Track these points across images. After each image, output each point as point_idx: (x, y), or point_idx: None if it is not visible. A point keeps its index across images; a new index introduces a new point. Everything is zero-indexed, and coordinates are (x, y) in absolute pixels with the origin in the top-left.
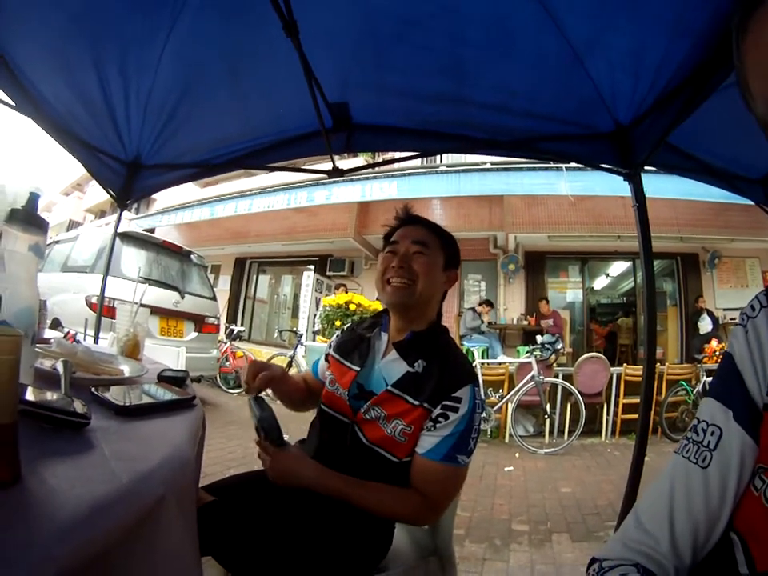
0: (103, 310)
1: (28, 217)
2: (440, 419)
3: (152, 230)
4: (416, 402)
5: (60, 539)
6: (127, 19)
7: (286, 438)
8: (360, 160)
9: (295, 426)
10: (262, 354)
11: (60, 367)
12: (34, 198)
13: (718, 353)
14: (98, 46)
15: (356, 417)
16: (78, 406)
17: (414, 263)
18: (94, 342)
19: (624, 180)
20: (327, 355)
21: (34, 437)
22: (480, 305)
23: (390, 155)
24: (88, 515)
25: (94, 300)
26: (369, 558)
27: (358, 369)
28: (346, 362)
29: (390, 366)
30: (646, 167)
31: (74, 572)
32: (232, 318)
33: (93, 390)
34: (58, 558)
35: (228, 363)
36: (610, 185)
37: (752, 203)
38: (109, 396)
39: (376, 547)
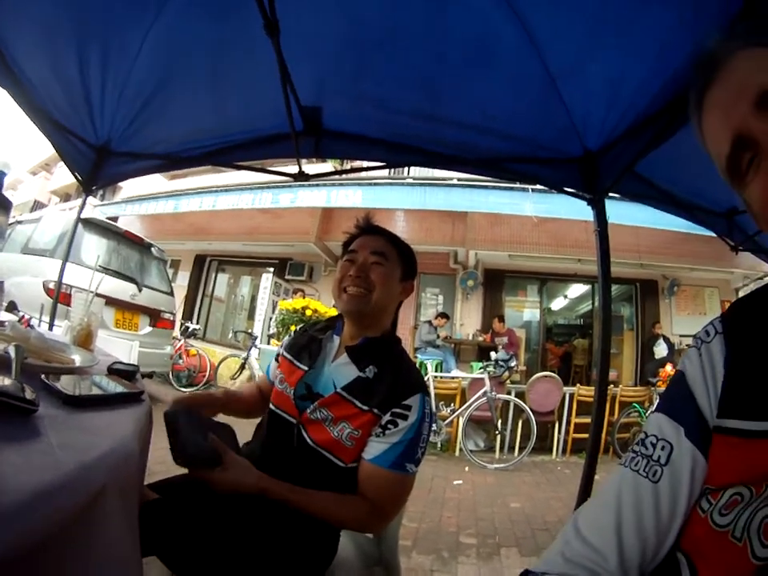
0: (60, 296)
1: None
2: (389, 426)
3: (115, 219)
4: (365, 408)
5: (1, 525)
6: (113, 3)
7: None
8: (328, 165)
9: (241, 426)
10: (216, 353)
11: (12, 351)
12: None
13: None
14: (83, 25)
15: (302, 417)
16: (28, 393)
17: (371, 273)
18: (49, 329)
19: (588, 205)
20: (278, 355)
21: None
22: (436, 317)
23: (357, 163)
24: (30, 502)
25: (51, 285)
26: (313, 565)
27: (306, 368)
28: (295, 362)
29: (340, 370)
30: (610, 194)
31: (13, 559)
32: (188, 315)
33: (43, 377)
34: None
35: (181, 361)
36: (573, 208)
37: (714, 235)
38: (58, 385)
39: (320, 554)
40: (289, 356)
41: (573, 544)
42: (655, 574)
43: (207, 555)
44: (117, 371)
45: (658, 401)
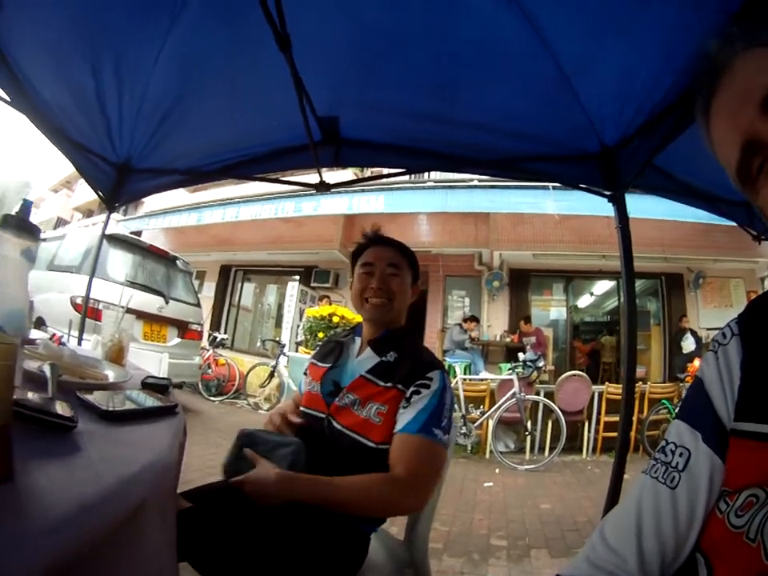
0: (88, 311)
1: (21, 223)
2: (413, 396)
3: (139, 233)
4: (388, 384)
5: (50, 536)
6: (126, 18)
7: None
8: (348, 173)
9: None
10: (245, 362)
11: (47, 370)
12: (27, 205)
13: None
14: (96, 44)
15: (330, 408)
16: (66, 410)
17: (390, 283)
18: (78, 344)
19: (608, 202)
20: (307, 368)
21: (21, 437)
22: (466, 321)
23: (377, 170)
24: (76, 514)
25: (78, 301)
26: (343, 568)
27: (330, 365)
28: (320, 363)
29: (363, 362)
30: (630, 189)
31: (61, 568)
32: (215, 326)
33: (78, 393)
34: (48, 554)
35: (210, 370)
36: (595, 204)
37: (735, 224)
38: (94, 400)
39: (350, 558)
40: (315, 361)
41: (597, 548)
42: (676, 575)
43: (239, 561)
44: (150, 385)
45: (679, 406)
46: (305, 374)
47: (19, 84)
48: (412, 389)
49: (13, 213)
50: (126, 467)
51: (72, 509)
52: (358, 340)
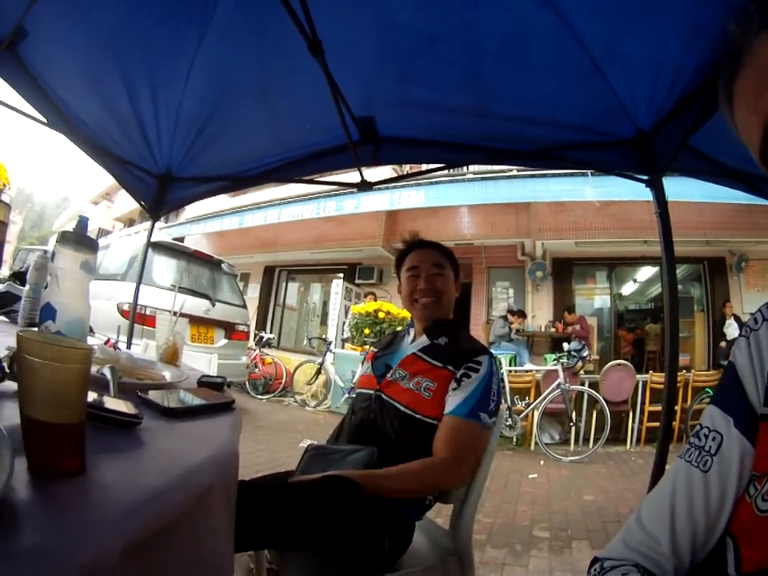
0: (135, 317)
1: (78, 238)
2: (463, 378)
3: (181, 239)
4: (439, 364)
5: (127, 518)
6: (154, 35)
7: (311, 443)
8: (387, 170)
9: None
10: (291, 360)
11: (108, 372)
12: (83, 221)
13: None
14: (127, 62)
15: (381, 384)
16: (130, 408)
17: (437, 282)
18: (127, 348)
19: (646, 187)
20: (366, 357)
21: (89, 435)
22: (512, 314)
23: (416, 166)
24: (149, 499)
25: (125, 307)
26: (388, 554)
27: (384, 347)
28: (378, 352)
29: (416, 345)
30: (667, 172)
31: (137, 546)
32: (261, 325)
33: (139, 393)
34: (126, 534)
35: (257, 369)
36: (634, 189)
37: None
38: (154, 398)
39: (395, 544)
40: (375, 350)
41: (633, 531)
42: (708, 556)
43: (290, 542)
44: (206, 383)
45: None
46: (362, 363)
47: (54, 105)
48: (462, 371)
49: (70, 229)
50: (190, 458)
51: (144, 495)
52: (413, 331)
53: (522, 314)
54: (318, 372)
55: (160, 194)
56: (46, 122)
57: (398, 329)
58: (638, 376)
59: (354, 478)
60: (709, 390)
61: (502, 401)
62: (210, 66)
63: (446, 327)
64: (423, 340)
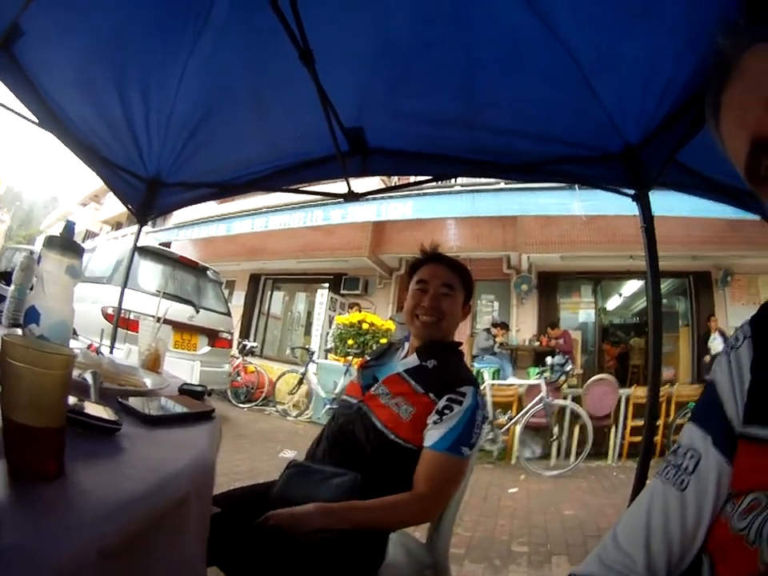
0: (119, 321)
1: (65, 243)
2: (446, 411)
3: (168, 244)
4: (420, 390)
5: (104, 522)
6: (147, 39)
7: (292, 455)
8: (375, 181)
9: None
10: (274, 369)
11: (89, 377)
12: (70, 226)
13: None
14: (121, 65)
15: (365, 396)
16: (110, 414)
17: (442, 303)
18: (110, 353)
19: (632, 201)
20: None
21: (68, 439)
22: (495, 326)
23: (404, 178)
24: (126, 504)
25: (110, 311)
26: (362, 568)
27: (376, 357)
28: (369, 361)
29: (405, 363)
30: (655, 187)
31: (114, 550)
32: (245, 334)
33: (119, 399)
34: (103, 538)
35: (239, 378)
36: (621, 204)
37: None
38: (134, 405)
39: (370, 558)
40: (368, 358)
41: (609, 548)
42: (683, 574)
43: (261, 561)
44: (187, 392)
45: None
46: (346, 372)
47: (45, 105)
48: (444, 402)
49: (57, 233)
50: (168, 465)
51: (122, 500)
52: (407, 346)
53: (504, 327)
54: (301, 382)
55: (148, 198)
56: (37, 121)
57: (382, 341)
58: (621, 390)
59: (336, 510)
60: (692, 405)
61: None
62: (202, 71)
63: (440, 349)
64: (413, 359)
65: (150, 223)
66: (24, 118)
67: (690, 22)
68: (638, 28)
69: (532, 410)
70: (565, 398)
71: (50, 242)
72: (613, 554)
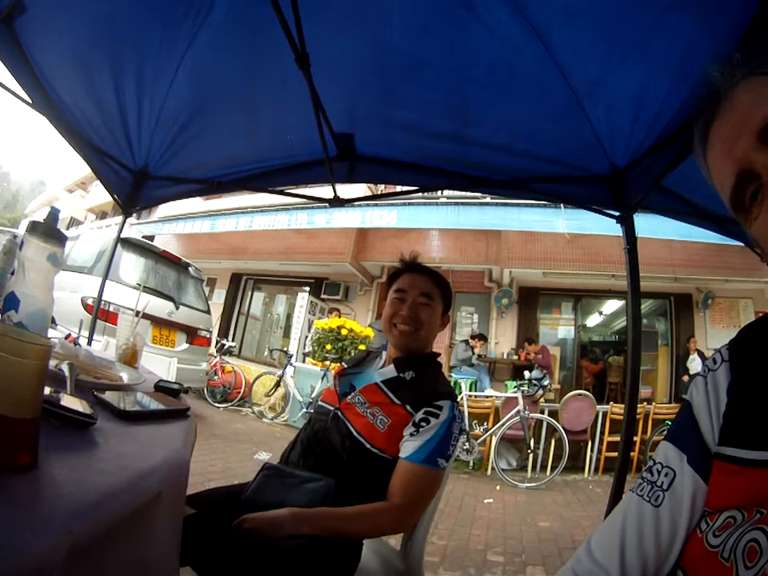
0: (99, 312)
1: (48, 230)
2: (422, 424)
3: (151, 237)
4: (397, 401)
5: (75, 518)
6: (148, 29)
7: (267, 457)
8: (362, 188)
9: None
10: (251, 370)
11: (66, 369)
12: (54, 213)
13: None
14: (118, 53)
15: (341, 404)
16: (86, 407)
17: (420, 313)
18: (88, 344)
19: (616, 222)
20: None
21: (43, 431)
22: (473, 338)
23: (391, 187)
24: (98, 500)
25: (89, 302)
26: (337, 573)
27: (353, 369)
28: (347, 368)
29: (382, 373)
30: (640, 208)
31: (84, 547)
32: (224, 333)
33: (95, 392)
34: (73, 534)
35: (216, 377)
36: (605, 224)
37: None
38: (110, 400)
39: (344, 564)
40: (345, 365)
41: (583, 561)
42: None
43: (235, 565)
44: (163, 389)
45: (668, 428)
46: (323, 377)
47: (40, 86)
48: (421, 415)
49: (41, 219)
50: (143, 462)
51: (95, 496)
52: (385, 355)
53: (483, 338)
54: (278, 384)
55: (135, 189)
56: (30, 102)
57: (361, 347)
58: (598, 406)
59: (311, 516)
60: (669, 423)
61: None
62: (198, 66)
63: (418, 361)
64: (390, 370)
65: (134, 215)
66: (18, 97)
67: (683, 58)
68: (632, 60)
69: (509, 423)
70: (542, 412)
71: (34, 228)
72: (587, 566)
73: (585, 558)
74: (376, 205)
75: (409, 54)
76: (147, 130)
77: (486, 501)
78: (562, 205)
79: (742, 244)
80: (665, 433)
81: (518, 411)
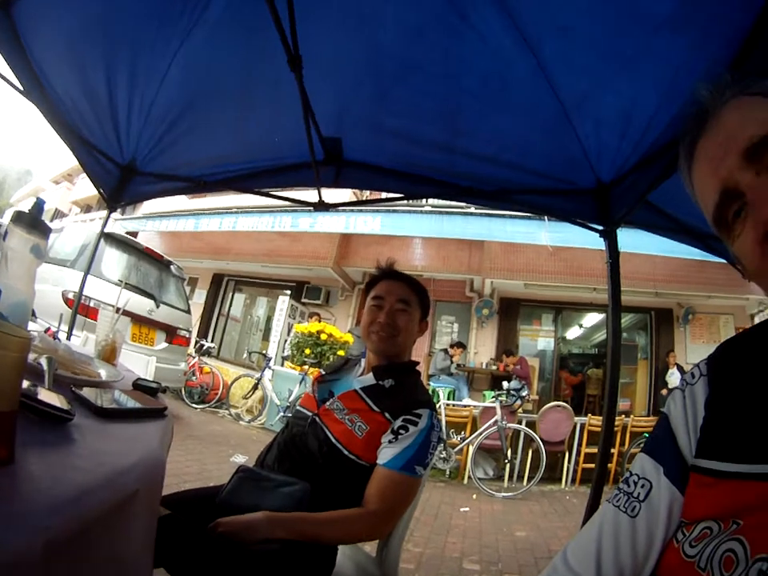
0: (79, 307)
1: (32, 221)
2: (401, 431)
3: (135, 234)
4: (376, 408)
5: (51, 513)
6: (143, 24)
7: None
8: (347, 193)
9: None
10: (230, 372)
11: (44, 363)
12: (39, 204)
13: None
14: (113, 47)
15: (319, 410)
16: (63, 402)
17: (398, 319)
18: (67, 338)
19: (600, 237)
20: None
21: (20, 425)
22: (452, 346)
23: (376, 193)
24: (75, 497)
25: (70, 296)
26: None
27: (332, 376)
28: (326, 375)
29: (362, 381)
30: (623, 223)
31: (60, 543)
32: (203, 333)
33: (73, 388)
34: (49, 530)
35: (195, 378)
36: (588, 238)
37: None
38: (88, 396)
39: (318, 571)
40: (323, 371)
41: (559, 569)
42: None
43: (209, 568)
44: (141, 387)
45: (645, 440)
46: (301, 382)
47: (33, 74)
48: (399, 423)
49: (26, 210)
50: (120, 459)
51: (72, 491)
52: (364, 362)
53: (461, 346)
54: (256, 387)
55: (121, 184)
56: (22, 89)
57: (340, 353)
58: (576, 418)
59: (286, 520)
60: (647, 435)
61: None
62: (190, 64)
63: (396, 370)
64: (369, 378)
65: (119, 210)
66: (10, 84)
67: (674, 76)
68: (623, 77)
69: (486, 432)
70: (519, 422)
71: (18, 218)
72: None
73: (561, 567)
74: (360, 210)
75: (402, 58)
76: (136, 125)
77: (462, 509)
78: (546, 217)
79: (723, 260)
80: (642, 445)
81: (496, 421)
